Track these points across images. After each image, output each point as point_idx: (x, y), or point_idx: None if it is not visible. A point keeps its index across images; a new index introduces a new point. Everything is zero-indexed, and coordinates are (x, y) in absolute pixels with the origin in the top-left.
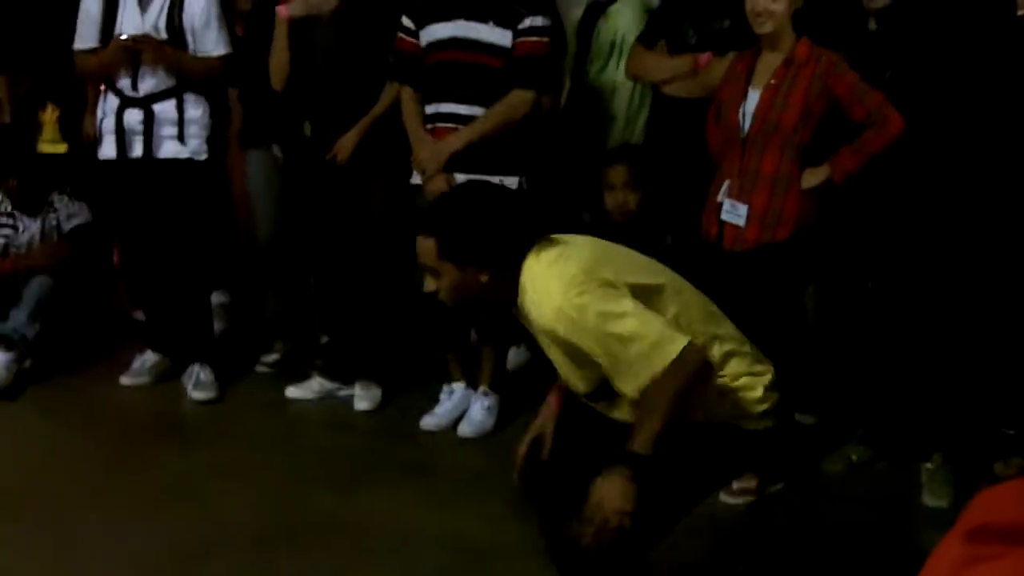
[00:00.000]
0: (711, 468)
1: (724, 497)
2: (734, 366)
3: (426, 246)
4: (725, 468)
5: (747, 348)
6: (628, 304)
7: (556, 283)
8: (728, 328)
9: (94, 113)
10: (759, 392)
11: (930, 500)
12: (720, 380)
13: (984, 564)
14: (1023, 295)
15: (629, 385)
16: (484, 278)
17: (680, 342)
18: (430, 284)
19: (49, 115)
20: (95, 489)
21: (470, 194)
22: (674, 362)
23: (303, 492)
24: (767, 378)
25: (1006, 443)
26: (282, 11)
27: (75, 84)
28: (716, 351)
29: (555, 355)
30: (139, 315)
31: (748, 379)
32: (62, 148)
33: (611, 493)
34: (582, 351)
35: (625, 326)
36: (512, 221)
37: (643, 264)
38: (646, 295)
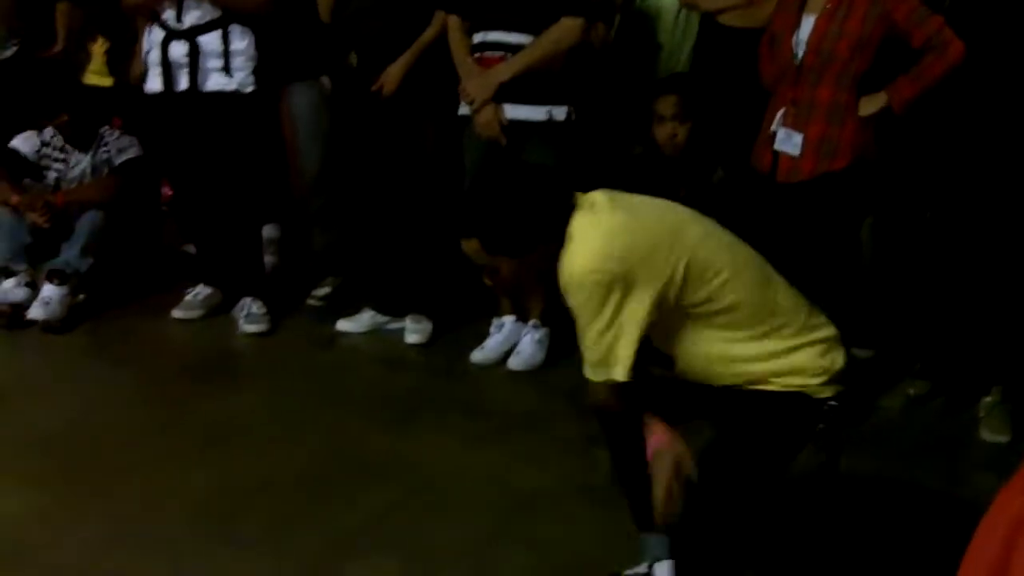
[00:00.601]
0: (785, 436)
1: None
2: (799, 358)
3: (472, 247)
4: (798, 436)
5: (802, 318)
6: (607, 312)
7: (580, 251)
8: (785, 299)
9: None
10: (821, 364)
11: (988, 435)
12: (781, 380)
13: None
14: None
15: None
16: (538, 255)
17: (610, 374)
18: (489, 278)
19: (99, 47)
20: (147, 425)
21: (496, 185)
22: (592, 383)
23: (354, 429)
24: (827, 344)
25: None
26: None
27: (127, 18)
28: (775, 346)
29: None
30: (190, 249)
31: (810, 360)
32: (108, 81)
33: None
34: None
35: (587, 328)
36: (547, 199)
37: (699, 236)
38: (698, 273)
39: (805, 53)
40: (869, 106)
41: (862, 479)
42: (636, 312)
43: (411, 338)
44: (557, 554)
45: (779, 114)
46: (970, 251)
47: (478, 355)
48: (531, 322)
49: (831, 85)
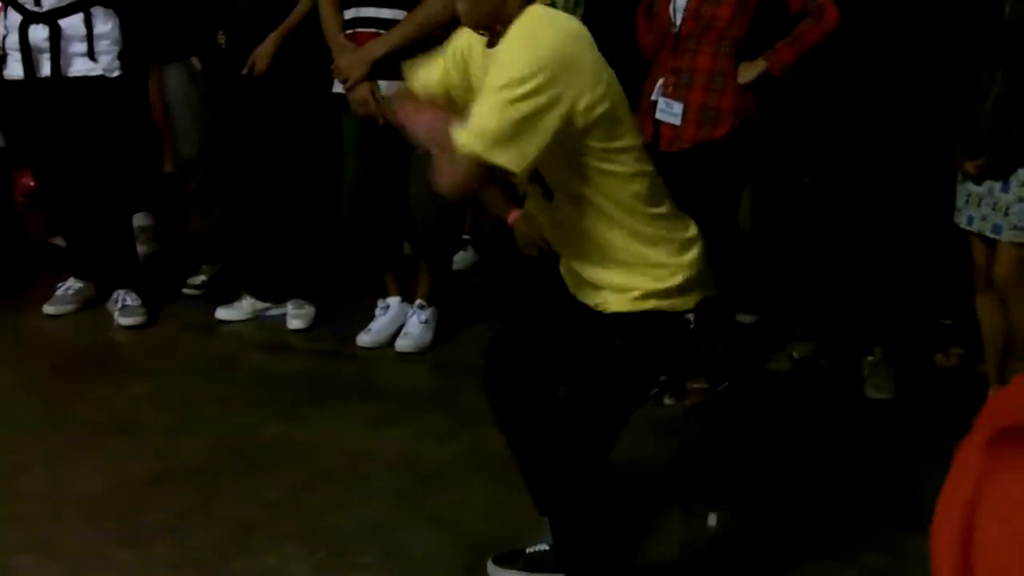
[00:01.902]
0: (649, 357)
1: (670, 400)
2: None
3: None
4: (662, 355)
5: (674, 220)
6: (533, 101)
7: (540, 25)
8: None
9: None
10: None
11: (873, 393)
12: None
13: (1015, 471)
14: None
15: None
16: None
17: (501, 157)
18: None
19: None
20: (31, 426)
21: None
22: (471, 157)
23: (246, 418)
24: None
25: (945, 334)
26: None
27: None
28: (651, 232)
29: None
30: (59, 242)
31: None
32: None
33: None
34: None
35: (502, 91)
36: None
37: (622, 96)
38: (610, 124)
39: (683, 20)
40: (748, 72)
41: (755, 437)
42: (552, 120)
43: (293, 323)
44: (465, 531)
45: (659, 83)
46: (847, 214)
47: (365, 338)
48: (417, 302)
49: (710, 53)
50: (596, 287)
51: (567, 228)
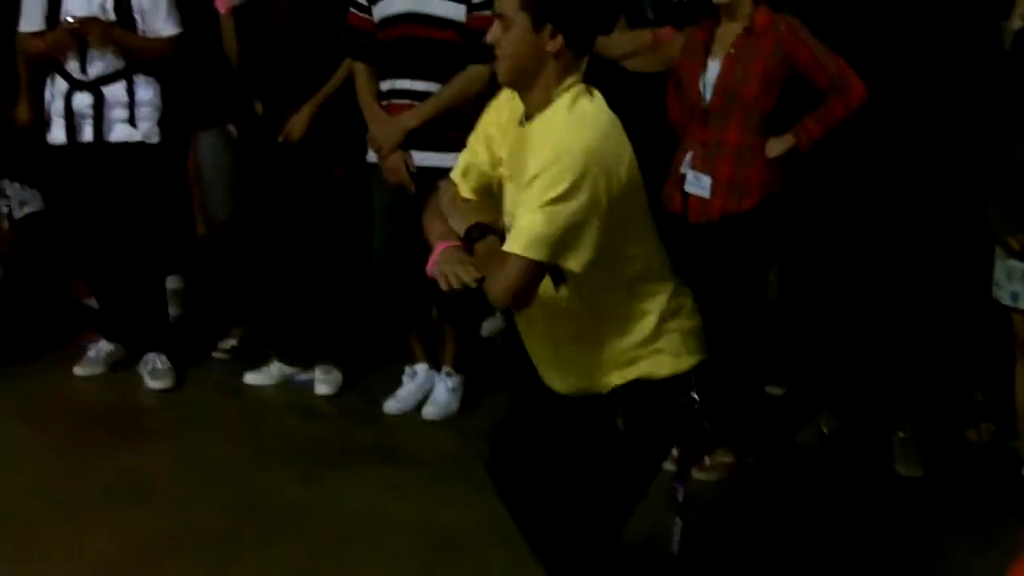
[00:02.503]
0: (653, 430)
1: (698, 474)
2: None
3: None
4: (666, 426)
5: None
6: (580, 199)
7: (572, 128)
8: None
9: (28, 97)
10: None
11: (903, 469)
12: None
13: None
14: (987, 260)
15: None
16: (552, 47)
17: (538, 254)
18: (492, 36)
19: None
20: (53, 485)
21: None
22: (520, 259)
23: (268, 482)
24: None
25: (976, 409)
26: (221, 5)
27: (6, 64)
28: (668, 301)
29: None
30: (92, 303)
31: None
32: None
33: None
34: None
35: (556, 203)
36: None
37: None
38: (631, 212)
39: (712, 96)
40: (776, 147)
41: (783, 512)
42: (597, 218)
43: (321, 388)
44: None
45: (687, 156)
46: (878, 287)
47: (391, 404)
48: (444, 369)
49: (738, 127)
50: (587, 370)
51: (567, 314)
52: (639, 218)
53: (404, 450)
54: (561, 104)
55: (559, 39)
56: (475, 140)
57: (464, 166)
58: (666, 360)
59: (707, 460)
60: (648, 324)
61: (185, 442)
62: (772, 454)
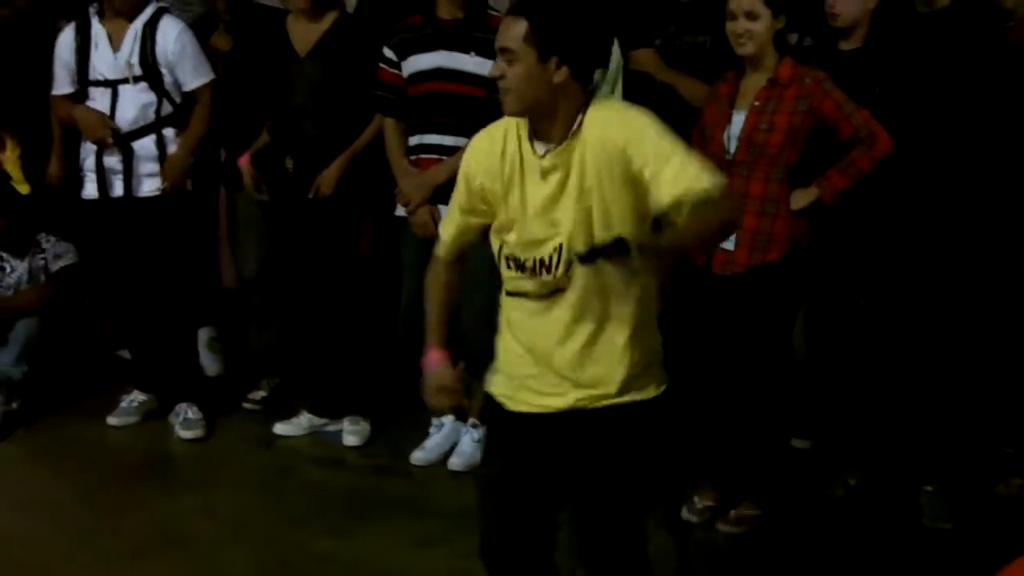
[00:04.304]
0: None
1: (723, 527)
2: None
3: (513, 27)
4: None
5: None
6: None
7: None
8: None
9: (60, 154)
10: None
11: (931, 522)
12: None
13: None
14: (1016, 312)
15: (667, 189)
16: (559, 78)
17: (722, 178)
18: (498, 70)
19: (10, 154)
20: (84, 534)
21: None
22: (719, 187)
23: (296, 533)
24: None
25: (1005, 462)
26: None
27: (39, 122)
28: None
29: (570, 206)
30: (125, 354)
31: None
32: (25, 189)
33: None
34: (620, 178)
35: (678, 148)
36: (609, 24)
37: None
38: None
39: (737, 148)
40: (800, 199)
41: (809, 565)
42: None
43: (349, 440)
44: None
45: None
46: (904, 339)
47: (419, 455)
48: (470, 421)
49: (762, 179)
50: (604, 359)
51: (597, 298)
52: None
53: (430, 502)
54: (598, 109)
55: (564, 71)
56: (464, 204)
57: (457, 239)
58: (653, 383)
59: (732, 513)
60: (655, 334)
61: (215, 492)
62: (798, 507)
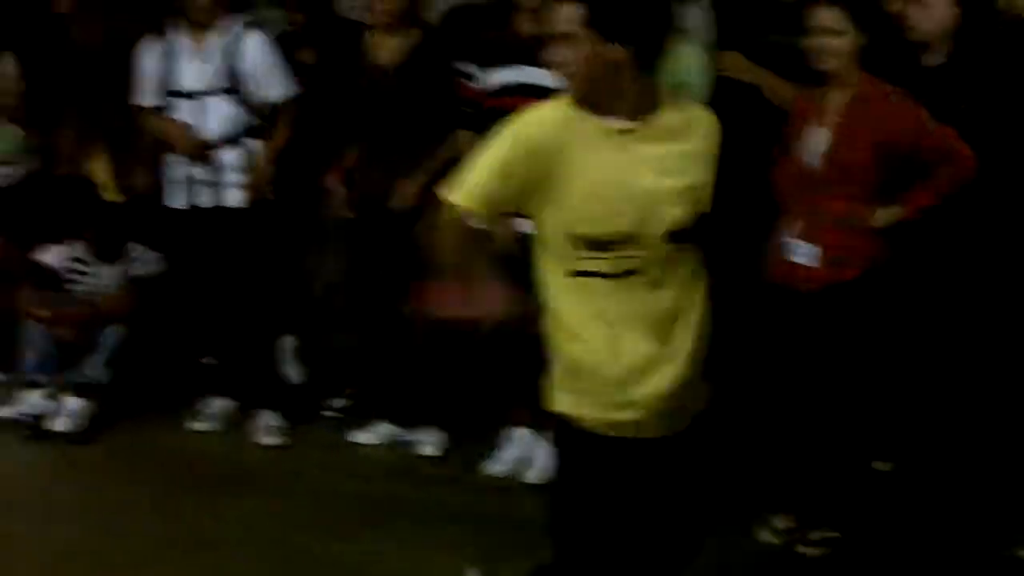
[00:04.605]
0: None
1: (803, 549)
2: None
3: (567, 11)
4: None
5: None
6: None
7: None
8: None
9: (147, 164)
10: None
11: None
12: None
13: None
14: None
15: None
16: (622, 55)
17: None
18: (562, 54)
19: (101, 164)
20: (164, 539)
21: None
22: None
23: (370, 543)
24: None
25: None
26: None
27: (129, 132)
28: None
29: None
30: (209, 361)
31: None
32: (116, 197)
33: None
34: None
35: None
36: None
37: None
38: None
39: (820, 164)
40: (883, 217)
41: None
42: None
43: (425, 449)
44: None
45: (793, 225)
46: (986, 365)
47: (493, 466)
48: (546, 434)
49: (846, 196)
50: (688, 360)
51: (666, 309)
52: None
53: (501, 514)
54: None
55: (627, 52)
56: (518, 165)
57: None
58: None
59: (812, 534)
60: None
61: (294, 498)
62: (878, 530)
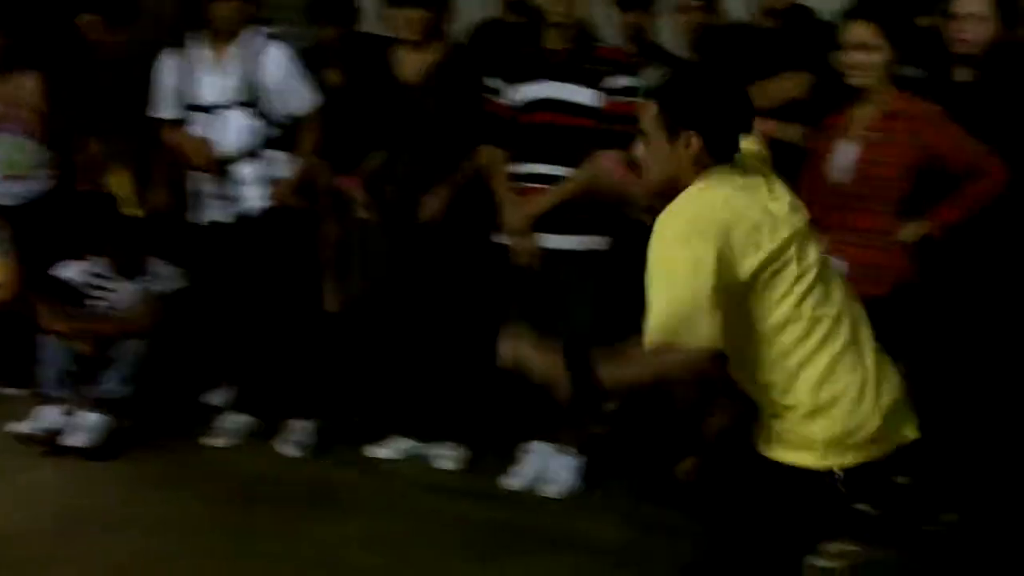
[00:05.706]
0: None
1: (823, 561)
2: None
3: (648, 111)
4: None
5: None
6: (691, 274)
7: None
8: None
9: (166, 180)
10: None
11: None
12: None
13: None
14: None
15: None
16: (693, 145)
17: (694, 339)
18: (639, 149)
19: (121, 178)
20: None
21: (701, 68)
22: (675, 347)
23: (392, 560)
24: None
25: None
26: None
27: (148, 149)
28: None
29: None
30: (225, 385)
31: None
32: (137, 211)
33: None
34: None
35: (667, 286)
36: (738, 96)
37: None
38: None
39: (849, 179)
40: (911, 232)
41: None
42: None
43: (445, 464)
44: None
45: (821, 240)
46: (1003, 378)
47: (512, 480)
48: (565, 447)
49: (874, 211)
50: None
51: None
52: None
53: (527, 527)
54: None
55: (697, 143)
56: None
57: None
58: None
59: (830, 547)
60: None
61: (310, 511)
62: (900, 543)
